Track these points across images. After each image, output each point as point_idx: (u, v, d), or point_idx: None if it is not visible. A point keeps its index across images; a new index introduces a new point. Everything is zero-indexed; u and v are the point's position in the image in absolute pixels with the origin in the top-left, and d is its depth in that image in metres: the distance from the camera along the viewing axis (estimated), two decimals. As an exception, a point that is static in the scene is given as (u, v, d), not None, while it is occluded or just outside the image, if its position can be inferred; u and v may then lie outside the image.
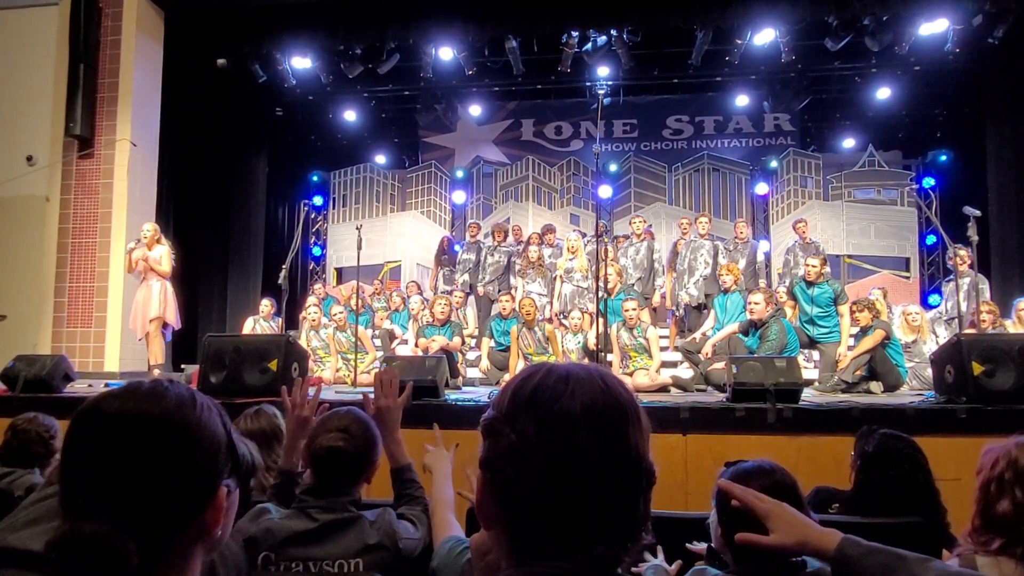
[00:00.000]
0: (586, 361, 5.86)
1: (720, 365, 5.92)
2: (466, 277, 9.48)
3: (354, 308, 7.62)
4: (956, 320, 6.64)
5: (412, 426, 2.33)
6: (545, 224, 10.09)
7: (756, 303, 6.24)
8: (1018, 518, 1.50)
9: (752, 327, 6.34)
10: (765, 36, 9.54)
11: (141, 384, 0.86)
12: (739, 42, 9.74)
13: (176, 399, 0.84)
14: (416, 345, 7.56)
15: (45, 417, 3.12)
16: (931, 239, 11.40)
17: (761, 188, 12.28)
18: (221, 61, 9.57)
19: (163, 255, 7.09)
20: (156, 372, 6.92)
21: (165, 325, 7.11)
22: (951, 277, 7.71)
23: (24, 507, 1.33)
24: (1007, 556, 1.50)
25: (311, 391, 2.29)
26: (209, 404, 0.88)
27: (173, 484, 0.81)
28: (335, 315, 7.71)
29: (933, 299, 10.33)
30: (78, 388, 5.84)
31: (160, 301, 7.00)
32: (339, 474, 1.92)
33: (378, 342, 8.22)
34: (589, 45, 9.93)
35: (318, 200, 13.08)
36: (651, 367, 6.62)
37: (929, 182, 11.62)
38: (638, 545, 0.80)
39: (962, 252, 6.99)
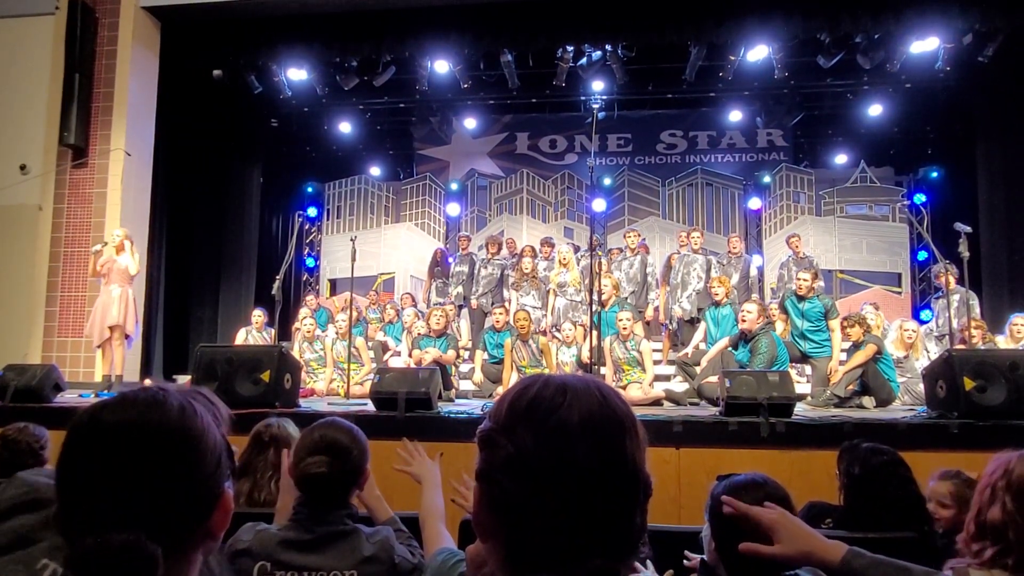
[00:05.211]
0: (580, 373, 5.87)
1: (713, 379, 5.92)
2: (459, 289, 9.48)
3: (349, 319, 7.60)
4: (947, 336, 6.68)
5: (407, 439, 2.32)
6: (544, 237, 10.10)
7: (749, 311, 6.25)
8: (1006, 526, 1.51)
9: (742, 340, 6.35)
10: (758, 53, 9.63)
11: (137, 393, 0.86)
12: (732, 58, 9.83)
13: (177, 407, 0.84)
14: (410, 356, 7.55)
15: (35, 427, 3.09)
16: (923, 255, 11.47)
17: (754, 203, 12.34)
18: (217, 72, 9.59)
19: (137, 260, 7.06)
20: (148, 382, 6.86)
21: (127, 336, 6.95)
22: (941, 293, 7.76)
23: None
24: (1000, 568, 1.51)
25: None
26: (203, 410, 0.88)
27: (186, 490, 0.81)
28: (336, 322, 7.69)
29: (924, 315, 10.38)
30: (68, 398, 5.80)
31: (120, 309, 6.82)
32: (329, 493, 1.91)
33: (371, 354, 8.20)
34: (584, 60, 10.00)
35: (312, 211, 13.10)
36: (645, 380, 6.62)
37: (920, 198, 11.70)
38: (635, 557, 0.79)
39: (951, 269, 7.04)
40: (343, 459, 1.91)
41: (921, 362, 6.79)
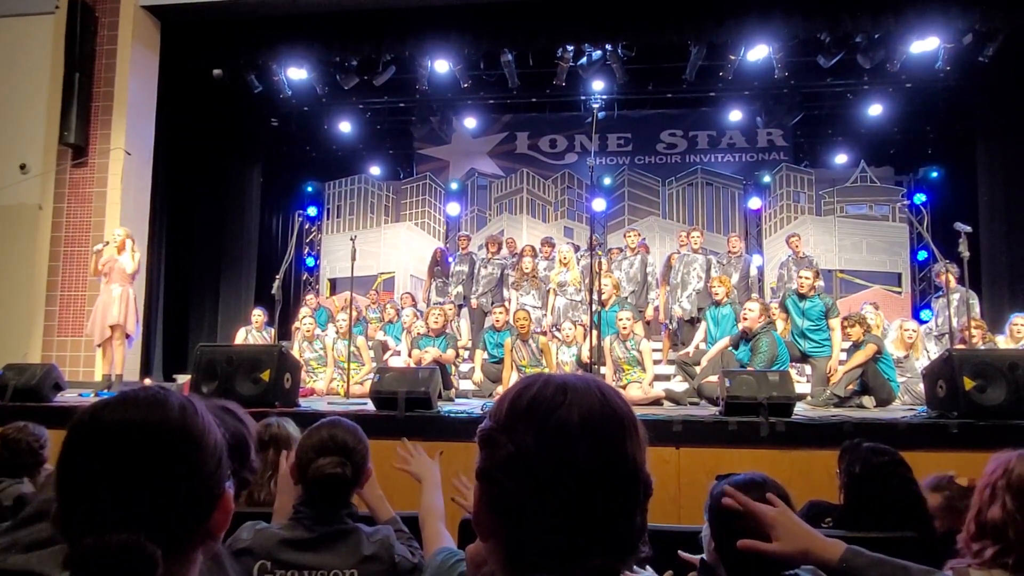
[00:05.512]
0: (580, 372, 5.86)
1: (713, 378, 5.92)
2: (459, 289, 9.48)
3: (350, 318, 7.60)
4: (946, 335, 6.68)
5: (406, 438, 2.32)
6: (544, 237, 10.11)
7: (751, 310, 6.26)
8: (1006, 525, 1.51)
9: (743, 339, 6.35)
10: (758, 52, 9.63)
11: (137, 393, 0.86)
12: (733, 58, 9.82)
13: (178, 406, 0.84)
14: (409, 356, 7.55)
15: (35, 426, 3.09)
16: (922, 255, 11.46)
17: (754, 203, 12.33)
18: (217, 72, 9.59)
19: (136, 260, 7.07)
20: (148, 382, 6.85)
21: (128, 335, 6.95)
22: (941, 293, 7.76)
23: (20, 525, 1.29)
24: (1000, 568, 1.51)
25: None
26: (203, 409, 0.88)
27: (186, 490, 0.81)
28: (337, 322, 7.69)
29: (924, 314, 10.38)
30: (68, 397, 5.80)
31: (121, 308, 6.81)
32: (338, 492, 1.92)
33: (371, 353, 8.20)
34: (584, 59, 9.99)
35: (312, 211, 13.09)
36: (644, 380, 6.62)
37: (920, 198, 11.70)
38: (635, 557, 0.79)
39: (951, 268, 7.04)
40: (355, 460, 1.92)
41: (921, 362, 6.79)
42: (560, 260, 8.29)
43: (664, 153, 12.84)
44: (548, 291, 8.33)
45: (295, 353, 7.18)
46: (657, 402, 6.37)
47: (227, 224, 11.03)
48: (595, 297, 5.97)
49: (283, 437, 2.61)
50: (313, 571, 1.80)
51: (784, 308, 6.99)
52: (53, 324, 8.13)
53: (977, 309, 7.82)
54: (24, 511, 1.35)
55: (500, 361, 7.32)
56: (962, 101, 10.50)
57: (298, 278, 12.82)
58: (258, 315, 8.67)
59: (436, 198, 12.99)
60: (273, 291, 6.76)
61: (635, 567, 1.78)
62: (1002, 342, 7.04)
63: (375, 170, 13.39)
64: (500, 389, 6.84)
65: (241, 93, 10.25)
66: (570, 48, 9.68)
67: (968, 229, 6.13)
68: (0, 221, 8.15)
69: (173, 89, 9.19)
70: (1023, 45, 8.81)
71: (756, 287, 9.68)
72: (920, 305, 11.10)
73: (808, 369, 7.12)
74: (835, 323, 6.56)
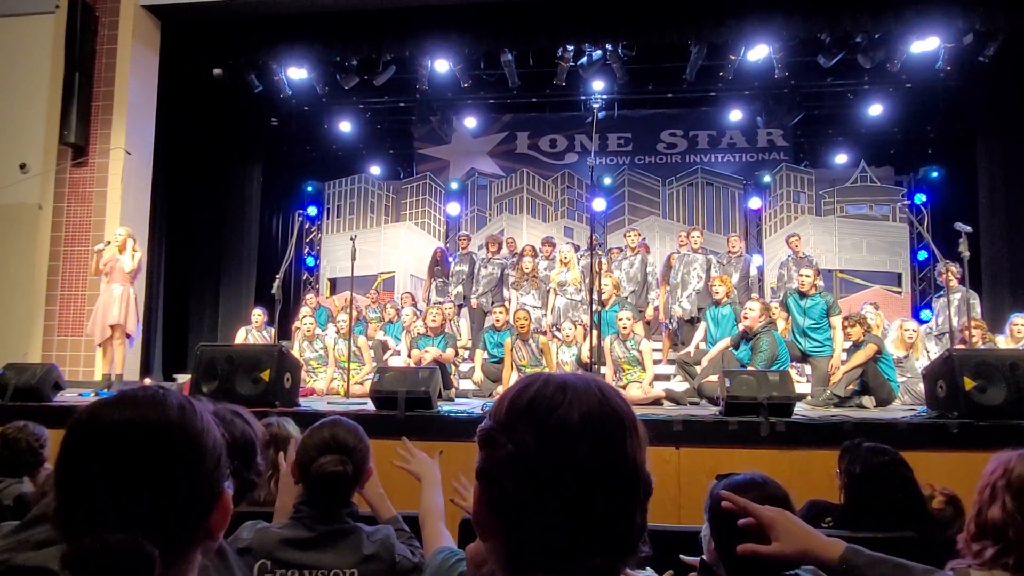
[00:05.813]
0: (580, 372, 5.85)
1: (713, 378, 5.92)
2: (459, 289, 9.47)
3: (350, 318, 7.60)
4: (946, 335, 6.67)
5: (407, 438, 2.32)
6: (544, 236, 10.12)
7: (751, 310, 6.27)
8: (1006, 526, 1.51)
9: (743, 339, 6.35)
10: (759, 52, 9.63)
11: (137, 392, 0.86)
12: (733, 58, 9.82)
13: (177, 406, 0.84)
14: (409, 356, 7.55)
15: (35, 426, 3.09)
16: (923, 255, 11.47)
17: (754, 203, 12.33)
18: (217, 72, 9.59)
19: (136, 259, 7.05)
20: (148, 381, 6.84)
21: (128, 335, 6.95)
22: (942, 292, 7.76)
23: (30, 524, 1.30)
24: (1000, 568, 1.51)
25: None
26: (203, 409, 0.88)
27: (186, 489, 0.81)
28: (337, 322, 7.69)
29: (924, 314, 10.37)
30: (68, 397, 5.80)
31: (121, 308, 6.80)
32: (339, 491, 1.92)
33: (371, 353, 8.20)
34: (584, 59, 9.99)
35: (312, 210, 13.09)
36: (644, 380, 6.62)
37: (921, 198, 11.71)
38: (635, 557, 0.79)
39: (952, 268, 7.05)
40: (356, 459, 1.92)
41: (921, 362, 6.78)
42: (560, 260, 8.29)
43: (664, 153, 12.84)
44: (548, 291, 8.33)
45: (295, 353, 7.18)
46: (657, 402, 6.38)
47: (227, 223, 11.03)
48: (595, 297, 5.97)
49: (283, 437, 2.61)
50: (313, 570, 1.80)
51: (785, 307, 6.99)
52: (53, 324, 8.13)
53: (978, 309, 7.83)
54: (33, 510, 1.36)
55: (500, 361, 7.32)
56: (962, 101, 10.50)
57: (298, 278, 12.82)
58: (258, 315, 8.67)
59: (436, 198, 12.99)
60: (273, 291, 6.75)
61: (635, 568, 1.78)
62: (1002, 342, 7.04)
63: (375, 170, 13.38)
64: (500, 389, 6.84)
65: (241, 93, 10.25)
66: (570, 48, 9.68)
67: (968, 229, 6.13)
68: (0, 221, 8.15)
69: (173, 89, 9.19)
70: (1023, 45, 8.81)
71: (756, 287, 9.69)
72: (920, 305, 11.09)
73: (808, 369, 7.12)
74: (836, 321, 6.57)
